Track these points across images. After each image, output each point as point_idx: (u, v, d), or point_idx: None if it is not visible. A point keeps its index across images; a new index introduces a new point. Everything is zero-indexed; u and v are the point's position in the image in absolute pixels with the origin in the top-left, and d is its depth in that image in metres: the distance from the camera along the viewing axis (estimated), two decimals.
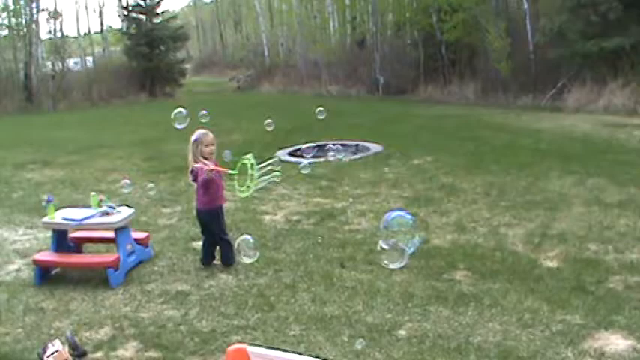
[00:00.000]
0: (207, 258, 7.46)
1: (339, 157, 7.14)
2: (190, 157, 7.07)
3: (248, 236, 5.43)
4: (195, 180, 7.19)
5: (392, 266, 4.31)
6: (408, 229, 4.22)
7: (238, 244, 5.43)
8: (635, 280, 6.41)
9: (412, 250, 4.22)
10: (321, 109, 7.41)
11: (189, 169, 7.15)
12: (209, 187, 7.13)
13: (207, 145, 7.05)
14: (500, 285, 6.44)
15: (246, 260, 5.54)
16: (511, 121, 17.86)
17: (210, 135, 7.11)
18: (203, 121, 6.98)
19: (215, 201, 7.29)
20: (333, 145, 7.59)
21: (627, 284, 6.31)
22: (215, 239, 7.38)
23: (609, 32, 18.73)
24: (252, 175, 5.60)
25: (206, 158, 7.04)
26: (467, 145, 14.28)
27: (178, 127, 6.53)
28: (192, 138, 7.02)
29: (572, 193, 9.80)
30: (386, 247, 4.24)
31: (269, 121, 7.39)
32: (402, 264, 4.26)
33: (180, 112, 6.47)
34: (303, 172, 7.66)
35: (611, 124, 16.40)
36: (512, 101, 21.72)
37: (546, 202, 9.36)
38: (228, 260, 7.32)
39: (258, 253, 5.61)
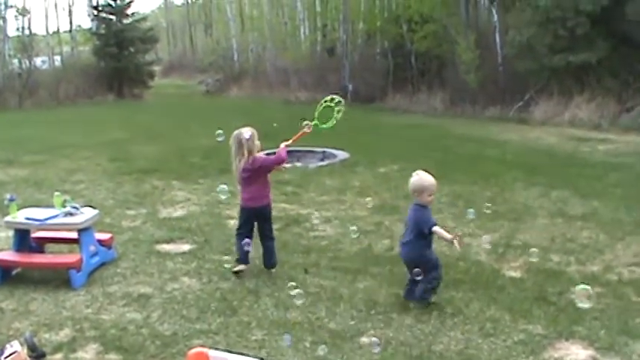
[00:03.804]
0: (246, 259, 7.14)
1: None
2: (245, 153, 6.81)
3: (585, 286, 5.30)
4: (251, 175, 6.94)
5: None
6: None
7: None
8: (597, 291, 6.47)
9: None
10: None
11: (243, 164, 6.85)
12: (267, 178, 7.09)
13: (258, 139, 6.96)
14: (463, 294, 6.47)
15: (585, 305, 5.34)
16: (478, 132, 18.01)
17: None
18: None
19: (270, 194, 7.21)
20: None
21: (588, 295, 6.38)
22: (263, 238, 7.23)
23: (576, 47, 19.02)
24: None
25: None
26: (434, 154, 14.34)
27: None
28: (246, 135, 6.82)
29: (536, 205, 9.90)
30: None
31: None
32: None
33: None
34: None
35: (576, 137, 16.63)
36: (479, 112, 21.91)
37: (511, 213, 9.44)
38: (275, 261, 7.25)
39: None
